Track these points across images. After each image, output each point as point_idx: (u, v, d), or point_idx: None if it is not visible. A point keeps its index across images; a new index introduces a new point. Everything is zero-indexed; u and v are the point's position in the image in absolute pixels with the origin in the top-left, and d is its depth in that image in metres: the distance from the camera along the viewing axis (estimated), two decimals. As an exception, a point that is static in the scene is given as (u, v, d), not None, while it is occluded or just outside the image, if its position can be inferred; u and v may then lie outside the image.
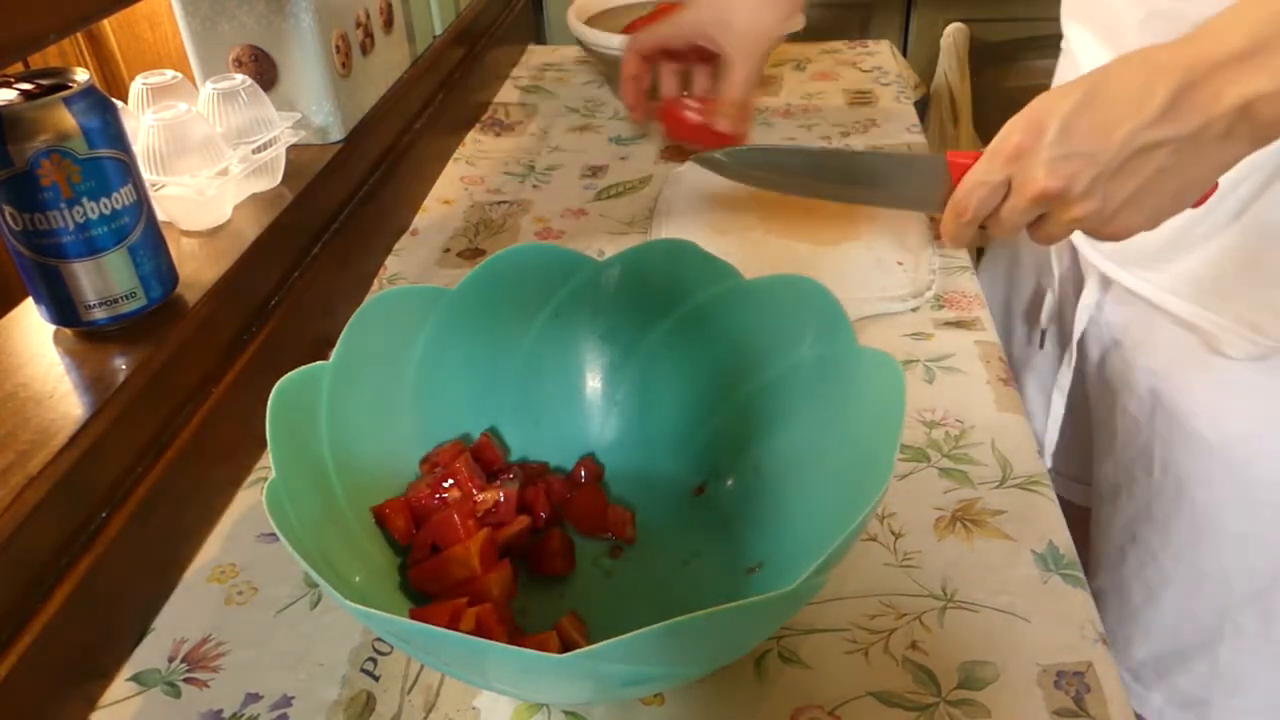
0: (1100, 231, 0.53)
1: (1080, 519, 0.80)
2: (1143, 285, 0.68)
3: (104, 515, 0.48)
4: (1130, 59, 0.49)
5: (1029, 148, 0.51)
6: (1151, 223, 0.52)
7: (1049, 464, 0.79)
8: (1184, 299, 0.65)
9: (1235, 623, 0.68)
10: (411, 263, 0.81)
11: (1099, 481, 0.76)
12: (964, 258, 0.78)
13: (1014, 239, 0.86)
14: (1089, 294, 0.73)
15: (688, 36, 0.83)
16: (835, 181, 0.68)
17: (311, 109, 0.75)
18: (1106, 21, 0.66)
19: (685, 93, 0.88)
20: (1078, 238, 0.72)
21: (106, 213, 0.50)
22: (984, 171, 0.54)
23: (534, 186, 0.92)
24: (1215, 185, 0.52)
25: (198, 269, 0.59)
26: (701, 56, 0.85)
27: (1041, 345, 0.83)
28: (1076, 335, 0.75)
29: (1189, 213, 0.53)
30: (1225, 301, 0.63)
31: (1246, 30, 0.46)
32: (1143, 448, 0.70)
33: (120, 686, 0.48)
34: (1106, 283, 0.72)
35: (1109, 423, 0.73)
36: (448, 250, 0.83)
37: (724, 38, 0.80)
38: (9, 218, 0.49)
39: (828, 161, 0.68)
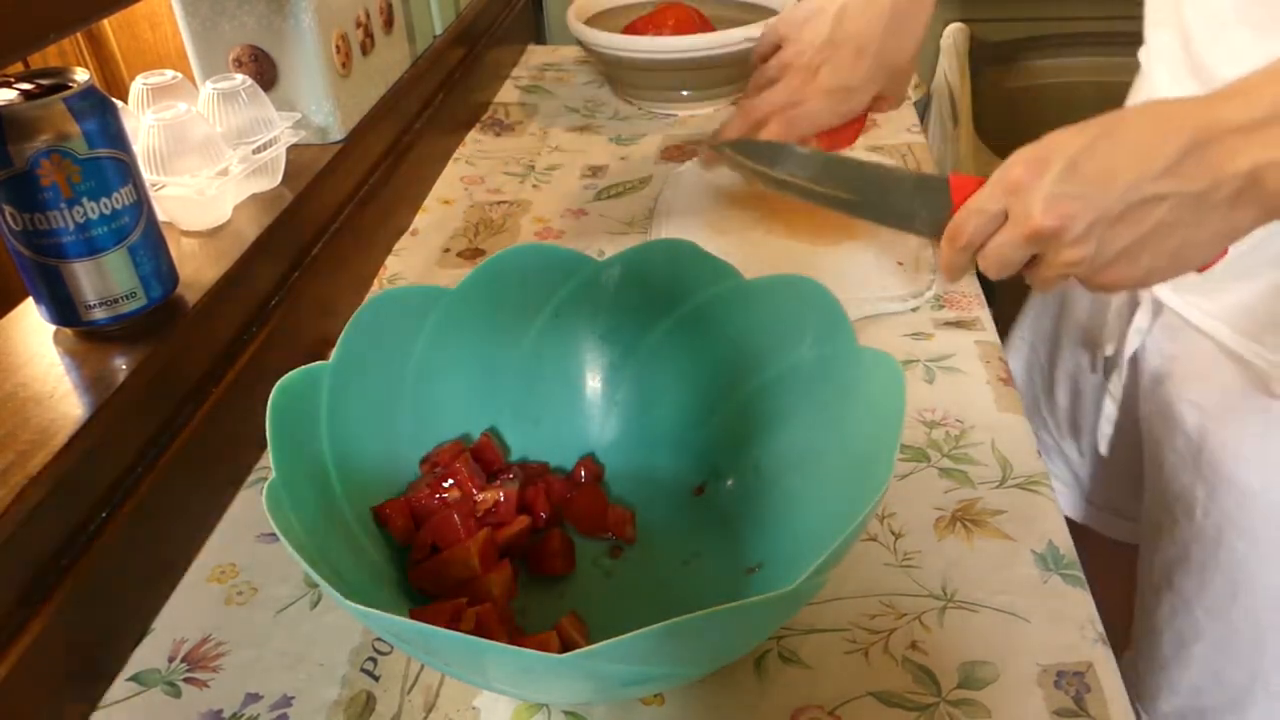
0: (1092, 280, 0.51)
1: (1125, 558, 0.78)
2: (1194, 311, 0.66)
3: (104, 515, 0.48)
4: (1148, 108, 0.48)
5: (1030, 181, 0.49)
6: (1146, 279, 0.50)
7: (1104, 450, 0.77)
8: (1236, 330, 0.63)
9: (1267, 686, 0.66)
10: (411, 263, 0.81)
11: (1144, 517, 0.73)
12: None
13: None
14: (1141, 318, 0.71)
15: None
16: (837, 187, 0.65)
17: (311, 109, 0.75)
18: (1201, 18, 0.62)
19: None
20: None
21: (106, 213, 0.50)
22: (983, 199, 0.52)
23: (534, 186, 0.92)
24: (1225, 251, 0.50)
25: (198, 269, 0.59)
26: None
27: (1093, 369, 0.80)
28: (1126, 355, 0.72)
29: (1246, 240, 0.51)
30: (1278, 338, 0.61)
31: (1271, 98, 0.45)
32: (1185, 488, 0.67)
33: (120, 686, 0.48)
34: (1158, 309, 0.70)
35: (1155, 456, 0.71)
36: (448, 250, 0.83)
37: (880, 105, 0.74)
38: (9, 218, 0.49)
39: (834, 168, 0.66)
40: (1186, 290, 0.66)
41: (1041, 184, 0.49)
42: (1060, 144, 0.49)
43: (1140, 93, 0.73)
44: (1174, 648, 0.70)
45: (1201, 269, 0.51)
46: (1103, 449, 0.78)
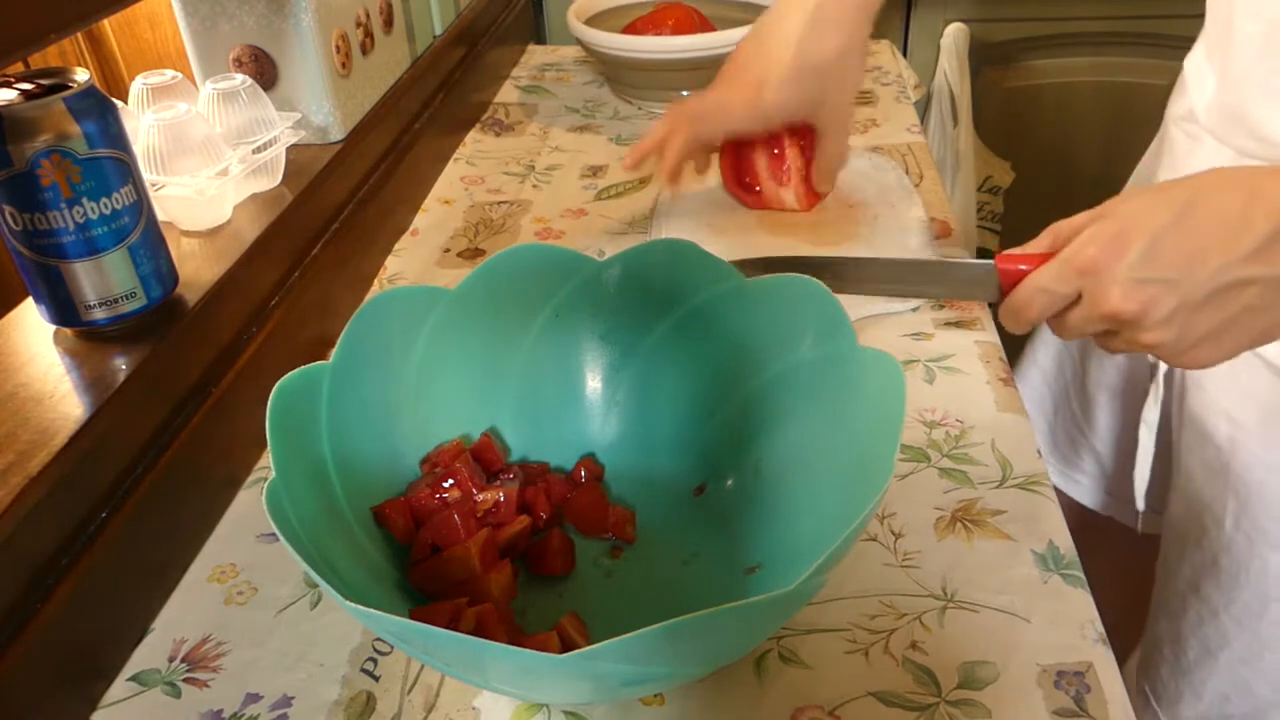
0: (1172, 360, 0.49)
1: (1131, 553, 0.78)
2: None
3: (104, 515, 0.48)
4: (1230, 180, 0.46)
5: (1107, 265, 0.47)
6: (1230, 357, 0.48)
7: (1142, 505, 0.75)
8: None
9: None
10: (411, 263, 0.81)
11: (1170, 522, 0.73)
12: (965, 258, 0.77)
13: None
14: None
15: (775, 123, 0.73)
16: (879, 282, 0.64)
17: (311, 109, 0.75)
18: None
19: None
20: None
21: (106, 213, 0.50)
22: (1051, 280, 0.50)
23: (534, 186, 0.92)
24: None
25: (198, 269, 0.59)
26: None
27: (1126, 388, 0.79)
28: (1164, 368, 0.71)
29: None
30: None
31: None
32: (1215, 497, 0.66)
33: (120, 686, 0.48)
34: None
35: (1185, 466, 0.70)
36: (448, 250, 0.83)
37: (819, 115, 0.72)
38: (9, 218, 0.49)
39: (874, 269, 0.65)
40: None
41: (1120, 267, 0.46)
42: (1137, 221, 0.46)
43: (1180, 103, 0.72)
44: (1200, 655, 0.69)
45: None
46: (1139, 487, 0.75)
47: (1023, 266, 0.53)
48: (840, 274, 0.63)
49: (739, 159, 0.80)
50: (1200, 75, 0.67)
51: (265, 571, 0.53)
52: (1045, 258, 0.52)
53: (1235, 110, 0.63)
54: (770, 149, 0.78)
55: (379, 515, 0.50)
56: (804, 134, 0.77)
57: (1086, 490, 0.86)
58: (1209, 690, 0.69)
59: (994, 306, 0.58)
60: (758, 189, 0.80)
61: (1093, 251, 0.48)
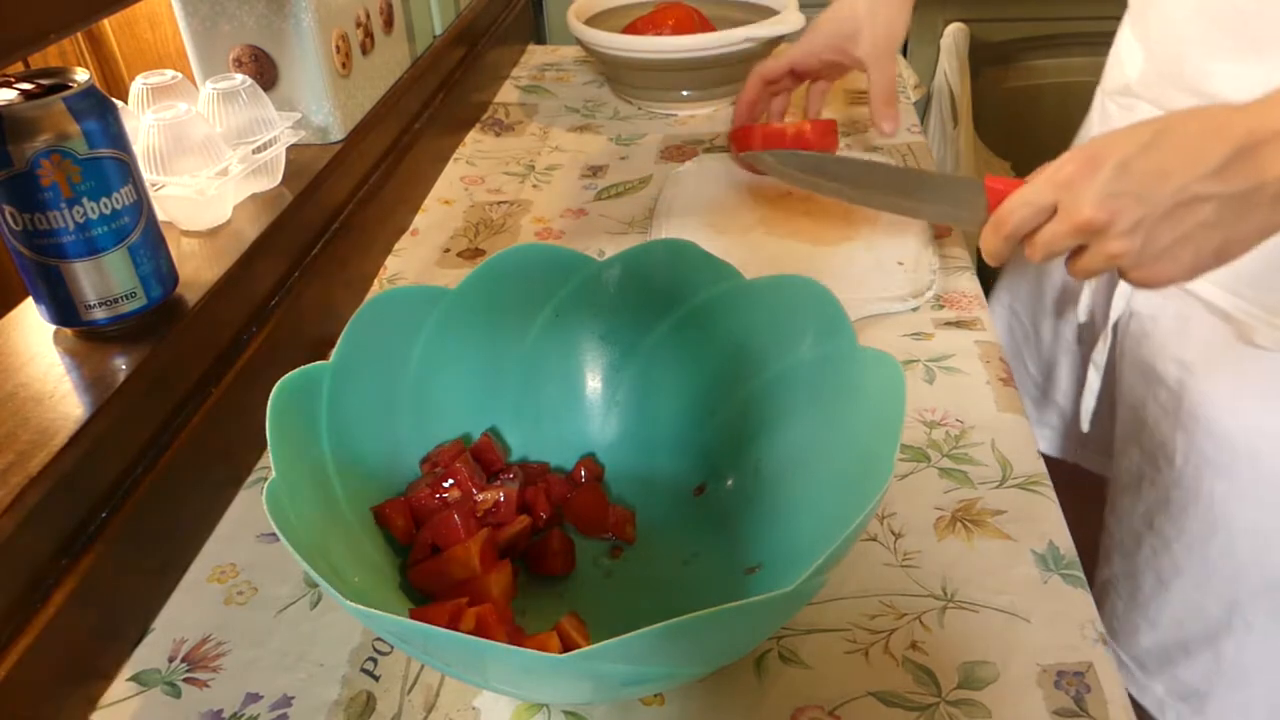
0: (1134, 273, 0.54)
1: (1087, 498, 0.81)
2: None
3: (104, 515, 0.48)
4: (1195, 114, 0.51)
5: (1082, 178, 0.52)
6: (1187, 274, 0.53)
7: (1086, 428, 0.82)
8: (1220, 287, 0.66)
9: (1244, 617, 0.69)
10: (411, 263, 0.81)
11: (1120, 471, 0.77)
12: (964, 258, 0.78)
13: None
14: (1126, 284, 0.74)
15: (820, 55, 0.86)
16: (874, 189, 0.72)
17: (311, 109, 0.75)
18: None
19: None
20: None
21: (106, 213, 0.50)
22: (1032, 192, 0.55)
23: (534, 186, 0.92)
24: None
25: (198, 269, 0.59)
26: (830, 73, 0.89)
27: (1080, 339, 0.84)
28: (1112, 320, 0.76)
29: None
30: (1261, 292, 0.64)
31: None
32: (1166, 437, 0.71)
33: (120, 686, 0.48)
34: None
35: (1138, 412, 0.74)
36: (448, 250, 0.83)
37: (859, 49, 0.83)
38: (9, 218, 0.49)
39: (870, 173, 0.73)
40: None
41: (1094, 181, 0.52)
42: (1112, 146, 0.52)
43: (1113, 78, 0.77)
44: (1154, 587, 0.73)
45: None
46: (1084, 424, 0.81)
47: (1004, 187, 0.59)
48: (842, 175, 0.73)
49: (746, 136, 0.87)
50: (1130, 51, 0.73)
51: (265, 571, 0.53)
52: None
53: (1172, 72, 0.68)
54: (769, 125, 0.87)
55: (379, 515, 0.50)
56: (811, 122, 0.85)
57: (1049, 441, 0.92)
58: (1165, 618, 0.73)
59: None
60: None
61: (1070, 169, 0.53)
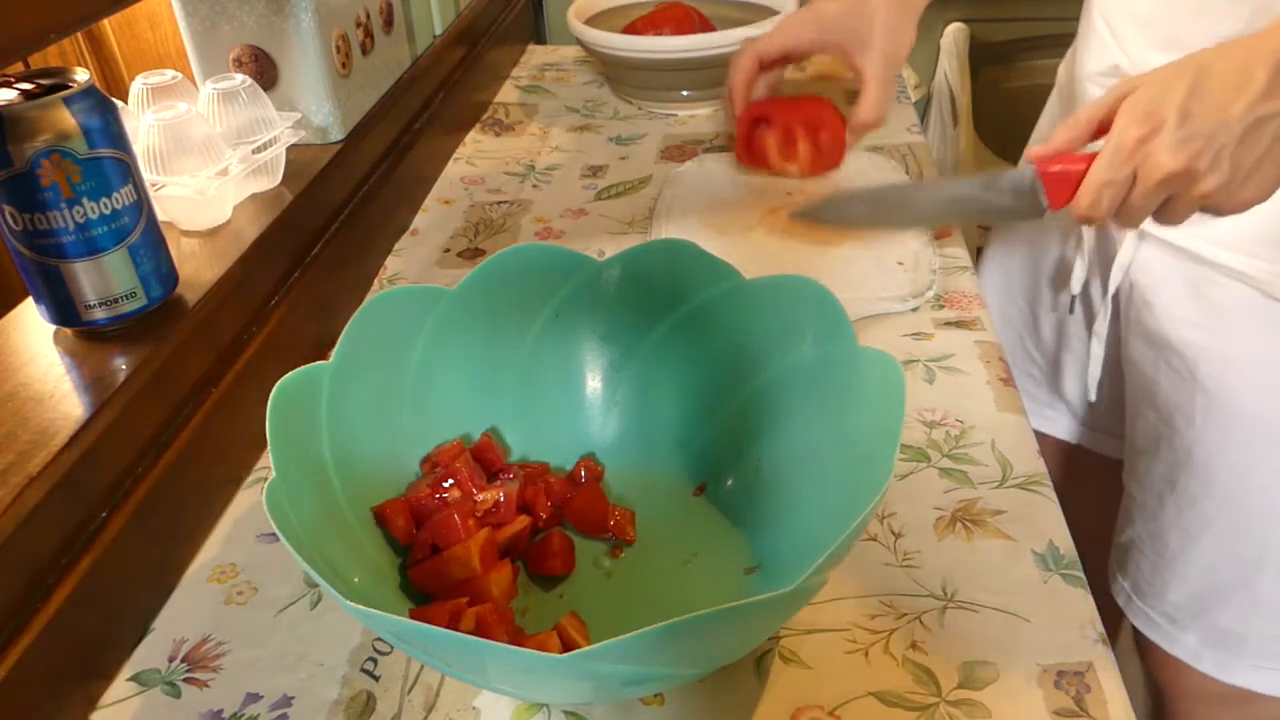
0: (1226, 205, 0.55)
1: (1115, 472, 0.83)
2: (1193, 241, 0.69)
3: (104, 515, 0.48)
4: (1225, 47, 0.54)
5: (1151, 138, 0.53)
6: (1273, 191, 0.55)
7: (1094, 397, 0.82)
8: (1238, 251, 0.67)
9: (1277, 553, 0.70)
10: (411, 263, 0.81)
11: (1136, 435, 0.78)
12: (964, 258, 0.78)
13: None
14: (1125, 253, 0.75)
15: (820, 48, 0.82)
16: (928, 211, 0.69)
17: (311, 109, 0.75)
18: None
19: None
20: None
21: (106, 213, 0.50)
22: (1109, 170, 0.55)
23: (534, 186, 0.92)
24: None
25: (198, 269, 0.59)
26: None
27: (1071, 310, 0.84)
28: (1111, 291, 0.77)
29: None
30: (1276, 250, 0.66)
31: None
32: (1185, 399, 0.72)
33: (120, 686, 0.48)
34: (1138, 243, 0.74)
35: (1149, 379, 0.75)
36: (448, 250, 0.83)
37: (867, 62, 0.80)
38: (9, 218, 0.49)
39: (918, 194, 0.70)
40: None
41: (1163, 136, 0.53)
42: (1159, 99, 0.53)
43: (1096, 61, 0.76)
44: (1181, 541, 0.74)
45: None
46: (1091, 395, 0.82)
47: (1058, 168, 0.58)
48: (896, 203, 0.70)
49: (754, 132, 0.85)
50: (1112, 31, 0.73)
51: (265, 571, 0.53)
52: (1084, 157, 0.57)
53: (1173, 38, 0.68)
54: (782, 131, 0.84)
55: (379, 515, 0.50)
56: (814, 118, 0.83)
57: (1060, 425, 0.92)
58: (1194, 570, 0.74)
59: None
60: (766, 158, 0.86)
61: (1135, 132, 0.54)
